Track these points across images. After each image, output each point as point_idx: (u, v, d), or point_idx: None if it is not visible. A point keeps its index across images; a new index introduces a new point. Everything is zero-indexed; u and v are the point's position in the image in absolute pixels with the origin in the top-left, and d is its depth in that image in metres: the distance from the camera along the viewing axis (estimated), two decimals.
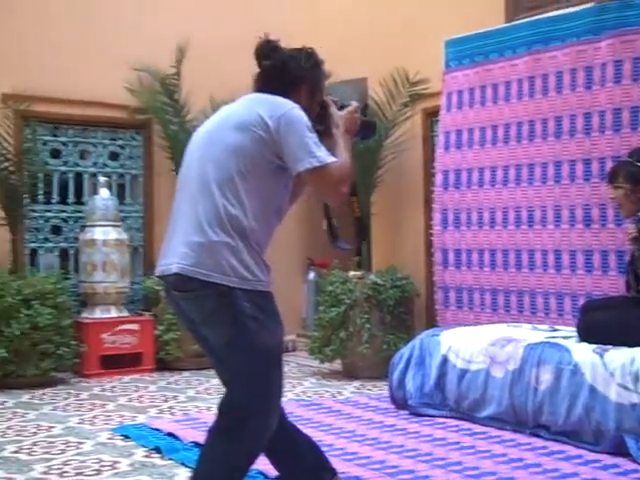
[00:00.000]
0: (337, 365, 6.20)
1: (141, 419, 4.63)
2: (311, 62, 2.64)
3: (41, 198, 6.34)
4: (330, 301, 5.97)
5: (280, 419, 2.56)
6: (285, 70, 2.59)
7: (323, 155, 2.40)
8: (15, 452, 3.90)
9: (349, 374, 6.00)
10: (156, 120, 6.64)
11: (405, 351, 4.88)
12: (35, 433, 4.31)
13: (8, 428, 4.42)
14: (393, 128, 6.17)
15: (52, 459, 3.77)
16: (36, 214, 6.32)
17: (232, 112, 2.53)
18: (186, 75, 6.50)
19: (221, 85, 6.57)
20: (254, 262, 2.39)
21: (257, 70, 2.61)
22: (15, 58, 6.06)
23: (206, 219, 2.37)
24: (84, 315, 6.15)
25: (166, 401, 5.17)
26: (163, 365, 6.26)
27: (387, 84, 6.13)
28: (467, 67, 5.48)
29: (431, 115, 6.16)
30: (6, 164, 5.78)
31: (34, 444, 4.06)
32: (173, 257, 2.41)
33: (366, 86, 6.48)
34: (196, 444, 3.86)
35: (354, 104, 2.70)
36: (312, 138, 2.42)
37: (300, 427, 2.85)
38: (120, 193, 6.73)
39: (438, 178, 5.61)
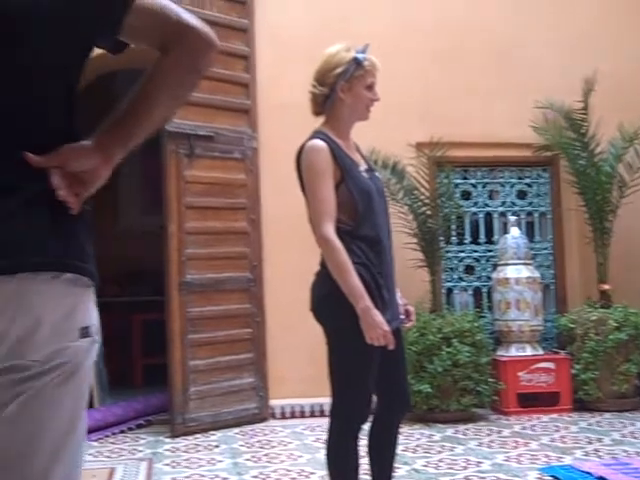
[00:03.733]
0: None
1: (567, 460, 4.54)
2: None
3: (454, 239, 6.60)
4: None
5: None
6: None
7: None
8: None
9: None
10: (563, 156, 6.57)
11: None
12: (465, 467, 4.44)
13: (440, 461, 4.61)
14: None
15: None
16: (450, 254, 6.58)
17: None
18: (592, 107, 6.35)
19: (631, 114, 6.35)
20: None
21: None
22: (428, 107, 6.43)
23: None
24: (500, 353, 6.23)
25: (590, 443, 5.01)
26: (581, 405, 6.08)
27: None
28: None
29: None
30: (424, 209, 6.11)
31: (466, 478, 4.19)
32: None
33: None
34: None
35: None
36: None
37: None
38: (529, 231, 6.75)
39: None
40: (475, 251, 6.67)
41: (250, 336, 5.91)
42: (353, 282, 2.84)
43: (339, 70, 3.05)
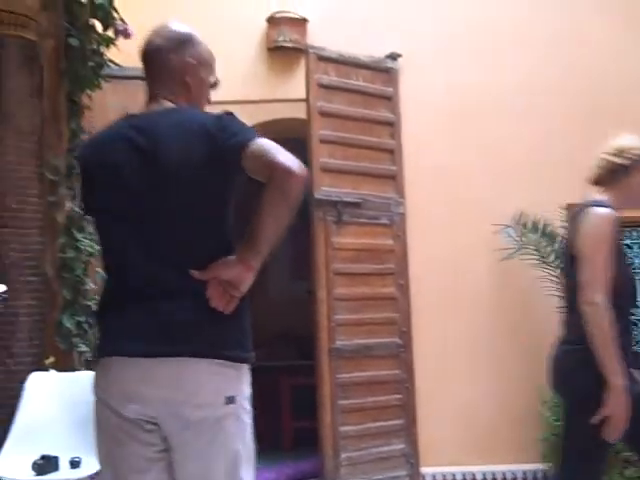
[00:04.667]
0: None
1: None
2: None
3: None
4: None
5: None
6: None
7: None
8: None
9: None
10: None
11: None
12: None
13: None
14: None
15: None
16: None
17: None
18: None
19: None
20: None
21: None
22: (578, 167, 6.14)
23: None
24: None
25: None
26: None
27: None
28: None
29: None
30: None
31: None
32: None
33: None
34: None
35: None
36: None
37: None
38: None
39: None
40: (632, 314, 6.37)
41: (400, 402, 5.86)
42: (614, 354, 2.86)
43: None
